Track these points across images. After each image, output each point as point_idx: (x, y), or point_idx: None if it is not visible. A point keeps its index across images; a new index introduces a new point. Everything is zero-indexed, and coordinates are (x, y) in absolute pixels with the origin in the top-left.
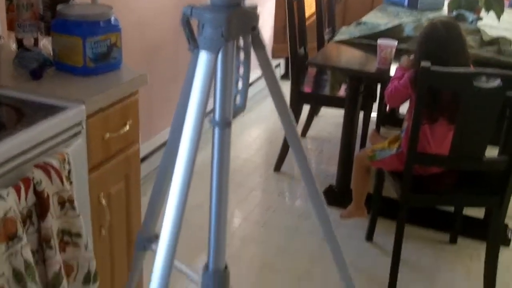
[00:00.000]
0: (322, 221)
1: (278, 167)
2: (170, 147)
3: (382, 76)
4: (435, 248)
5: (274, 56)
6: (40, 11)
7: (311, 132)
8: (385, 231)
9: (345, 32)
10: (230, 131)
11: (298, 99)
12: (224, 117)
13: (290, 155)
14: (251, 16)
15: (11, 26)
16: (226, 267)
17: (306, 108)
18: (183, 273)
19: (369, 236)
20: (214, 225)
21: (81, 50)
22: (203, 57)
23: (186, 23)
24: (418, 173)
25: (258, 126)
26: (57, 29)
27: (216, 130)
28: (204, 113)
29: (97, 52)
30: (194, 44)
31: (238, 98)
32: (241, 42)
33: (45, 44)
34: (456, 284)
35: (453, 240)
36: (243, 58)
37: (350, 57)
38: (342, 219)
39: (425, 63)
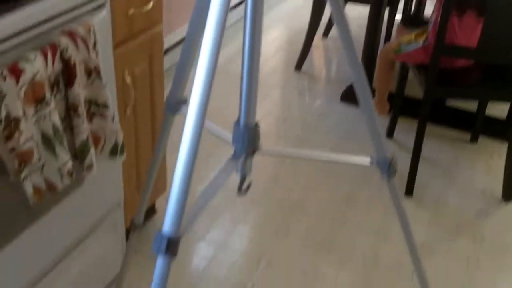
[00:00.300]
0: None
1: (299, 66)
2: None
3: None
4: (456, 146)
5: None
6: None
7: (334, 31)
8: (406, 129)
9: None
10: None
11: None
12: None
13: (311, 55)
14: None
15: None
16: (256, 124)
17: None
18: (213, 133)
19: (390, 133)
20: (246, 79)
21: None
22: None
23: None
24: (444, 66)
25: (278, 26)
26: None
27: None
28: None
29: None
30: None
31: None
32: None
33: None
34: (475, 180)
35: (474, 139)
36: None
37: None
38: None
39: None
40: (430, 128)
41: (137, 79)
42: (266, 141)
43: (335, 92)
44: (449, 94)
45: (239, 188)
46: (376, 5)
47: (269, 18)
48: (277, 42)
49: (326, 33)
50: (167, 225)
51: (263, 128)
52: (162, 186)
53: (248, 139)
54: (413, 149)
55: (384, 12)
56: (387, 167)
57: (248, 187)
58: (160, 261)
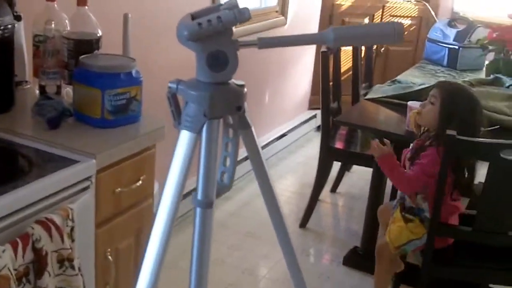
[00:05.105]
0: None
1: (304, 223)
2: None
3: (411, 138)
4: None
5: (310, 107)
6: (64, 58)
7: (341, 188)
8: None
9: (378, 90)
10: (212, 211)
11: (327, 155)
12: (206, 196)
13: (318, 210)
14: (238, 95)
15: (35, 73)
16: None
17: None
18: None
19: None
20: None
21: (99, 102)
22: (184, 136)
23: (172, 97)
24: (439, 245)
25: (289, 177)
26: (78, 79)
27: (198, 210)
28: (180, 194)
29: (115, 105)
30: (178, 121)
31: (225, 177)
32: (230, 119)
33: (68, 92)
34: None
35: None
36: (231, 135)
37: (380, 117)
38: None
39: (451, 132)
40: None
41: (122, 254)
42: None
43: (338, 254)
44: (447, 275)
45: None
46: (378, 169)
47: (280, 169)
48: (286, 195)
49: (333, 188)
50: None
51: (268, 284)
52: None
53: None
54: None
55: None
56: None
57: None
58: None
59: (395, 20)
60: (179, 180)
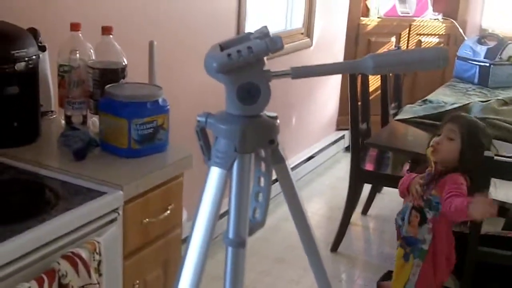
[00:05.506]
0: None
1: (335, 247)
2: None
3: None
4: None
5: (338, 128)
6: (90, 88)
7: (372, 210)
8: None
9: (409, 111)
10: (244, 251)
11: (357, 177)
12: (238, 235)
13: (349, 233)
14: (270, 127)
15: (61, 103)
16: None
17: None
18: None
19: None
20: None
21: (126, 132)
22: (214, 173)
23: (200, 131)
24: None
25: (318, 200)
26: (104, 108)
27: (229, 250)
28: (211, 233)
29: (142, 134)
30: (208, 156)
31: (258, 213)
32: (262, 152)
33: (95, 122)
34: None
35: None
36: (264, 169)
37: (412, 138)
38: None
39: (488, 153)
40: None
41: (149, 286)
42: None
43: (372, 278)
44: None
45: None
46: None
47: (308, 192)
48: (315, 218)
49: (364, 211)
50: None
51: None
52: None
53: None
54: None
55: None
56: None
57: None
58: None
59: (422, 39)
60: (210, 220)
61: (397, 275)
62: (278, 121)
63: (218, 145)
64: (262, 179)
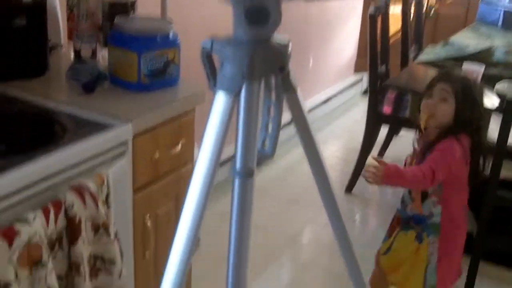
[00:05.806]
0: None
1: (350, 188)
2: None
3: None
4: None
5: (357, 70)
6: (99, 21)
7: (389, 152)
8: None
9: (430, 52)
10: (252, 182)
11: (374, 120)
12: (246, 166)
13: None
14: (281, 54)
15: (70, 36)
16: None
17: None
18: None
19: None
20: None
21: (135, 66)
22: (220, 99)
23: (206, 58)
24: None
25: (334, 143)
26: (113, 41)
27: (236, 181)
28: (216, 162)
29: (152, 68)
30: (214, 82)
31: (267, 144)
32: (273, 81)
33: (104, 55)
34: None
35: None
36: (274, 98)
37: None
38: None
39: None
40: (486, 268)
41: (160, 221)
42: (311, 270)
43: (386, 218)
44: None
45: None
46: None
47: (324, 134)
48: (332, 160)
49: (380, 153)
50: None
51: (310, 255)
52: None
53: None
54: None
55: None
56: None
57: None
58: None
59: None
60: (215, 148)
61: (413, 266)
62: (290, 48)
63: (225, 70)
64: (272, 110)
